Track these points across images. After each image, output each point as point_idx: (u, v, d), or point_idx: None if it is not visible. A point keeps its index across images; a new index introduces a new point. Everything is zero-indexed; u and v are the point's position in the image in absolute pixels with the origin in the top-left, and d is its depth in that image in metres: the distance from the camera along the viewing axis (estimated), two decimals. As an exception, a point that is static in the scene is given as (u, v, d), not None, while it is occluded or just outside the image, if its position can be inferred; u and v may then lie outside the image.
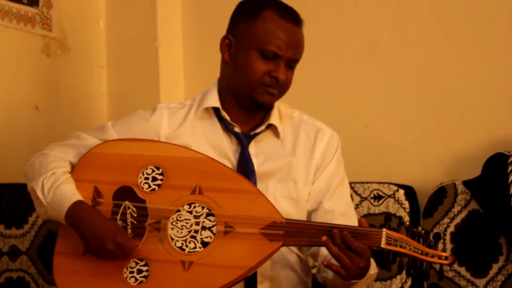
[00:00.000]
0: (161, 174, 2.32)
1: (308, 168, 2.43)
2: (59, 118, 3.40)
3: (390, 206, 3.00)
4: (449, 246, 2.90)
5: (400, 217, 2.96)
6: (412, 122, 3.16)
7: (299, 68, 2.45)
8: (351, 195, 2.65)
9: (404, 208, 2.98)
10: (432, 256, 2.12)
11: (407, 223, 2.16)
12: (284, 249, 2.37)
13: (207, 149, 2.40)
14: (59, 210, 2.30)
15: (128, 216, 2.30)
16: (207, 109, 2.46)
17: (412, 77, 3.17)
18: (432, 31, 3.15)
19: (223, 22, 2.50)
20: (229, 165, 2.37)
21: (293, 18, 2.40)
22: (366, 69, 3.25)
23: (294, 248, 2.44)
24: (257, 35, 2.37)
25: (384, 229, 2.13)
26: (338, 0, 3.31)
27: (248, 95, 2.39)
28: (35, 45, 3.34)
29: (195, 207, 2.27)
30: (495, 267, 2.85)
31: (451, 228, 2.91)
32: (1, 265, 3.09)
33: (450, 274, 2.89)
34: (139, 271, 2.26)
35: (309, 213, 2.44)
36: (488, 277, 2.86)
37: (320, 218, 2.40)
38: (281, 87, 2.39)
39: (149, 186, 2.31)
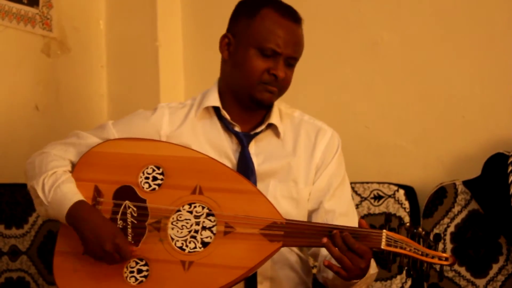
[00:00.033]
0: (162, 173, 2.32)
1: (309, 168, 2.43)
2: (59, 118, 3.40)
3: (390, 206, 3.00)
4: (449, 246, 2.90)
5: (400, 218, 2.96)
6: (412, 122, 3.16)
7: (299, 68, 2.45)
8: (351, 195, 2.64)
9: (404, 208, 2.98)
10: (432, 257, 2.11)
11: (407, 224, 2.15)
12: (284, 249, 2.37)
13: (208, 148, 2.40)
14: (60, 209, 2.30)
15: (129, 215, 2.30)
16: (207, 108, 2.46)
17: (412, 77, 3.17)
18: (432, 31, 3.15)
19: (223, 22, 2.50)
20: (229, 164, 2.37)
21: (292, 16, 2.40)
22: (366, 69, 3.25)
23: (294, 248, 2.43)
24: (256, 32, 2.37)
25: (384, 230, 2.13)
26: (338, 0, 3.31)
27: (247, 93, 2.39)
28: (35, 45, 3.34)
29: (195, 207, 2.27)
30: (495, 267, 2.85)
31: (451, 228, 2.91)
32: (1, 265, 3.09)
33: (450, 274, 2.89)
34: (139, 271, 2.26)
35: (310, 213, 2.43)
36: (488, 277, 2.86)
37: (320, 218, 2.40)
38: (280, 85, 2.39)
39: (150, 186, 2.31)
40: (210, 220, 2.25)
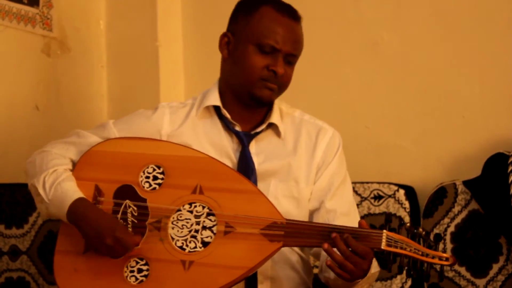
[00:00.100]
0: (162, 173, 2.32)
1: (310, 167, 2.43)
2: (59, 118, 3.40)
3: (390, 206, 3.00)
4: (449, 246, 2.90)
5: (400, 218, 2.96)
6: (412, 122, 3.16)
7: (299, 68, 2.45)
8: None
9: (404, 208, 2.98)
10: (433, 257, 2.11)
11: (408, 224, 2.15)
12: (285, 249, 2.37)
13: (208, 148, 2.41)
14: (61, 207, 2.30)
15: (129, 215, 2.30)
16: (207, 107, 2.46)
17: (412, 77, 3.17)
18: (432, 31, 3.15)
19: (223, 22, 2.50)
20: (229, 164, 2.38)
21: (291, 13, 2.41)
22: (366, 69, 3.25)
23: (296, 248, 2.43)
24: (255, 29, 2.37)
25: (384, 231, 2.13)
26: (338, 0, 3.31)
27: (247, 91, 2.39)
28: (35, 45, 3.34)
29: (195, 206, 2.27)
30: (495, 267, 2.85)
31: (451, 228, 2.91)
32: (1, 265, 3.09)
33: (450, 274, 2.89)
34: (140, 270, 2.25)
35: (311, 213, 2.43)
36: (488, 277, 2.86)
37: (322, 217, 2.40)
38: (280, 82, 2.39)
39: (150, 185, 2.31)
40: (210, 219, 2.25)
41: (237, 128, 2.43)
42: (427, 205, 2.96)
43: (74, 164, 2.41)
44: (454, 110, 3.09)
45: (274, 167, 2.41)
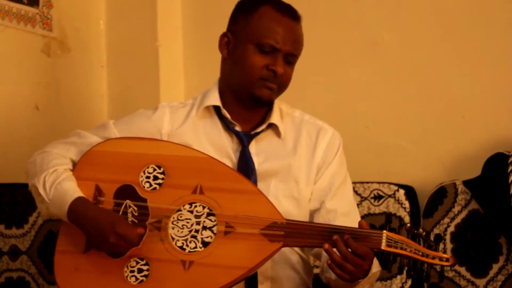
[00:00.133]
0: (163, 173, 2.32)
1: (310, 167, 2.43)
2: (59, 118, 3.40)
3: (390, 206, 3.00)
4: (449, 246, 2.90)
5: (400, 218, 2.96)
6: (412, 122, 3.16)
7: (299, 68, 2.45)
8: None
9: (404, 208, 2.98)
10: (433, 258, 2.11)
11: (408, 224, 2.14)
12: (286, 249, 2.37)
13: (208, 147, 2.41)
14: (61, 206, 2.30)
15: (129, 215, 2.30)
16: (208, 107, 2.46)
17: (412, 77, 3.17)
18: (432, 31, 3.15)
19: (223, 22, 2.50)
20: (230, 164, 2.38)
21: (291, 13, 2.41)
22: (366, 69, 3.25)
23: (296, 248, 2.43)
24: (254, 29, 2.37)
25: (384, 231, 2.13)
26: (338, 0, 3.31)
27: (246, 91, 2.39)
28: (35, 45, 3.34)
29: (196, 206, 2.27)
30: (495, 267, 2.85)
31: (451, 228, 2.91)
32: (1, 265, 3.09)
33: (450, 274, 2.89)
34: (140, 270, 2.25)
35: (312, 213, 2.43)
36: (488, 277, 2.86)
37: (322, 217, 2.40)
38: (280, 82, 2.39)
39: (150, 185, 2.31)
40: (210, 220, 2.25)
41: (237, 128, 2.43)
42: (427, 205, 2.96)
43: (74, 164, 2.41)
44: (454, 110, 3.09)
45: (274, 167, 2.41)
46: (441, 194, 2.94)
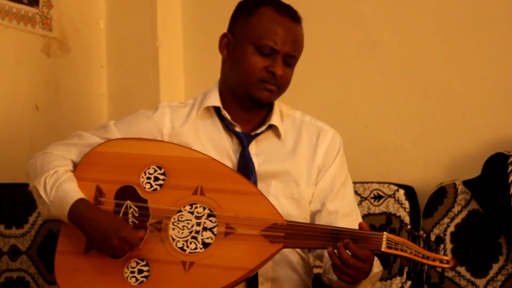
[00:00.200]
0: (163, 174, 2.32)
1: (311, 169, 2.43)
2: (59, 118, 3.40)
3: (390, 206, 3.00)
4: (449, 246, 2.90)
5: (400, 218, 2.96)
6: (412, 122, 3.16)
7: (299, 68, 2.45)
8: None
9: (404, 208, 2.98)
10: (433, 260, 2.11)
11: (409, 226, 2.14)
12: (286, 250, 2.37)
13: (209, 148, 2.41)
14: (62, 208, 2.31)
15: (130, 216, 2.30)
16: (208, 108, 2.46)
17: (412, 77, 3.17)
18: (432, 31, 3.15)
19: (223, 22, 2.50)
20: (230, 164, 2.38)
21: (291, 14, 2.40)
22: (366, 69, 3.25)
23: (296, 249, 2.43)
24: (254, 30, 2.37)
25: (384, 233, 2.13)
26: (338, 0, 3.31)
27: (246, 92, 2.39)
28: (35, 45, 3.34)
29: (196, 207, 2.27)
30: (495, 267, 2.85)
31: (451, 228, 2.91)
32: (1, 265, 3.09)
33: (450, 274, 2.89)
34: (140, 271, 2.26)
35: (313, 214, 2.43)
36: (488, 277, 2.86)
37: (324, 219, 2.40)
38: (279, 83, 2.39)
39: (151, 186, 2.31)
40: (211, 221, 2.25)
41: (237, 129, 2.43)
42: (427, 205, 2.96)
43: (75, 165, 2.41)
44: (454, 110, 3.09)
45: (274, 168, 2.41)
46: (441, 194, 2.94)
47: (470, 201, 2.91)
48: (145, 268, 2.25)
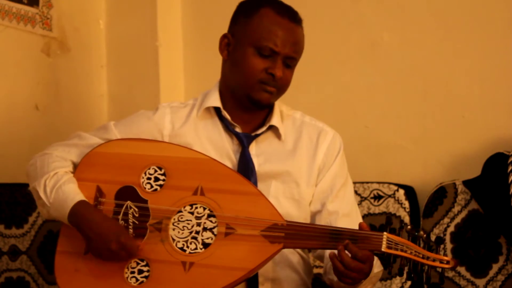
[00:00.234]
0: (164, 174, 2.32)
1: (311, 169, 2.43)
2: (59, 118, 3.40)
3: (390, 206, 3.00)
4: (449, 246, 2.90)
5: (400, 218, 2.96)
6: (412, 122, 3.16)
7: (299, 68, 2.45)
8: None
9: (404, 208, 2.98)
10: (434, 260, 2.11)
11: (409, 226, 2.14)
12: (286, 250, 2.37)
13: (209, 148, 2.41)
14: (62, 210, 2.31)
15: (130, 216, 2.31)
16: (208, 108, 2.46)
17: (412, 77, 3.17)
18: (432, 31, 3.15)
19: (223, 22, 2.50)
20: (230, 165, 2.38)
21: (291, 15, 2.40)
22: (366, 69, 3.25)
23: (296, 249, 2.44)
24: (254, 31, 2.37)
25: (385, 233, 2.13)
26: (338, 0, 3.31)
27: (245, 93, 2.39)
28: (35, 45, 3.34)
29: (196, 208, 2.27)
30: (495, 267, 2.85)
31: (451, 228, 2.91)
32: (1, 265, 3.08)
33: (450, 274, 2.89)
34: (140, 271, 2.26)
35: (313, 215, 2.44)
36: (488, 277, 2.86)
37: (324, 219, 2.40)
38: (279, 85, 2.38)
39: (151, 186, 2.32)
40: (211, 221, 2.25)
41: (238, 130, 2.43)
42: (427, 205, 2.96)
43: (75, 166, 2.41)
44: (454, 110, 3.09)
45: (274, 168, 2.41)
46: (441, 194, 2.94)
47: (470, 201, 2.91)
48: (145, 269, 2.26)
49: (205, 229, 2.25)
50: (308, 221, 2.43)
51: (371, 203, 3.01)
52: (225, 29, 2.46)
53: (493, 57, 3.05)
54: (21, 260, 3.11)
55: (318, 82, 3.30)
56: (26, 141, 3.24)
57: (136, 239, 2.26)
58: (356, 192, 3.00)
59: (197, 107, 2.48)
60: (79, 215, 2.29)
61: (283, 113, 2.49)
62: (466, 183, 2.91)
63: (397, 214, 2.97)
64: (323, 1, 3.31)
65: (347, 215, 2.40)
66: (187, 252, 2.24)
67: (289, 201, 2.40)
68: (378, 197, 3.01)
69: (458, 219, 2.91)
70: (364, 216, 2.98)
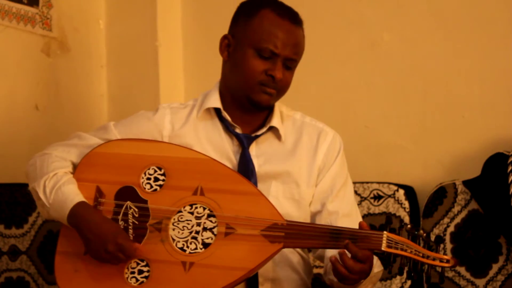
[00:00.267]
0: (163, 174, 2.32)
1: (311, 170, 2.43)
2: (59, 118, 3.40)
3: (390, 206, 3.00)
4: (449, 246, 2.91)
5: (400, 218, 2.96)
6: (412, 122, 3.16)
7: (299, 68, 2.45)
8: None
9: (404, 208, 2.98)
10: (433, 259, 2.11)
11: (409, 225, 2.15)
12: (287, 250, 2.37)
13: (209, 149, 2.40)
14: (61, 211, 2.30)
15: (130, 216, 2.31)
16: (208, 109, 2.46)
17: (412, 77, 3.17)
18: (432, 31, 3.15)
19: (223, 22, 2.50)
20: (230, 165, 2.37)
21: (291, 17, 2.40)
22: (366, 69, 3.25)
23: (297, 248, 2.43)
24: (254, 33, 2.37)
25: (385, 232, 2.13)
26: (338, 0, 3.31)
27: (245, 95, 2.39)
28: (35, 45, 3.34)
29: (196, 208, 2.27)
30: (495, 267, 2.85)
31: (451, 228, 2.91)
32: (1, 265, 3.08)
33: (450, 274, 2.89)
34: (140, 272, 2.26)
35: (314, 215, 2.44)
36: (488, 277, 2.86)
37: (324, 219, 2.40)
38: (279, 87, 2.38)
39: (151, 187, 2.32)
40: (211, 221, 2.25)
41: (238, 131, 2.43)
42: (426, 205, 2.96)
43: (75, 166, 2.41)
44: (454, 110, 3.09)
45: (274, 169, 2.41)
46: (440, 194, 2.94)
47: (470, 201, 2.91)
48: (145, 269, 2.26)
49: (205, 229, 2.25)
50: (308, 221, 2.43)
51: (371, 203, 3.02)
52: (225, 29, 2.46)
53: (493, 57, 3.05)
54: (21, 260, 3.11)
55: (318, 82, 3.30)
56: (26, 141, 3.24)
57: (134, 241, 2.26)
58: (356, 192, 3.00)
59: (197, 107, 2.48)
60: (78, 216, 2.29)
61: (283, 114, 2.49)
62: (466, 183, 2.91)
63: (397, 214, 2.97)
64: (323, 1, 3.31)
65: (347, 215, 2.40)
66: (187, 252, 2.24)
67: (289, 201, 2.40)
68: (378, 197, 3.01)
69: (458, 219, 2.91)
70: (364, 216, 2.98)
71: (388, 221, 2.14)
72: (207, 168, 2.30)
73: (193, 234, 2.25)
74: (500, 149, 2.89)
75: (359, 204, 3.00)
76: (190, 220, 2.26)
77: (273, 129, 2.45)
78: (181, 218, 2.27)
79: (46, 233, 3.12)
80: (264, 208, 2.23)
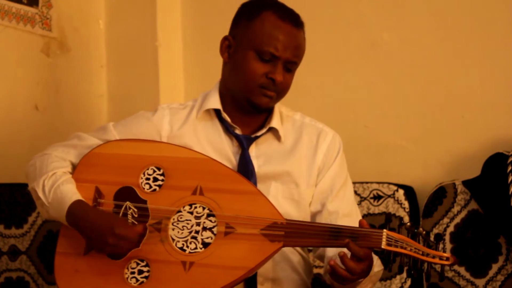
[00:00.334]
0: (162, 174, 2.32)
1: (311, 170, 2.43)
2: (59, 118, 3.40)
3: (389, 206, 3.00)
4: (448, 246, 2.91)
5: (400, 218, 2.96)
6: (412, 122, 3.16)
7: (299, 68, 2.45)
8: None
9: (404, 208, 2.98)
10: (433, 257, 2.11)
11: (408, 224, 2.15)
12: (287, 249, 2.38)
13: (209, 150, 2.40)
14: (60, 210, 2.30)
15: (129, 216, 2.30)
16: (208, 110, 2.46)
17: (412, 77, 3.17)
18: (432, 31, 3.15)
19: (223, 22, 2.50)
20: (229, 166, 2.37)
21: (292, 19, 2.39)
22: (365, 69, 3.25)
23: (298, 248, 2.44)
24: (255, 35, 2.36)
25: (384, 230, 2.13)
26: (338, 0, 3.31)
27: (245, 97, 2.39)
28: (35, 45, 3.34)
29: (196, 207, 2.27)
30: (495, 267, 2.85)
31: (451, 228, 2.91)
32: (0, 265, 3.09)
33: (450, 274, 2.89)
34: (140, 272, 2.26)
35: (314, 215, 2.44)
36: (487, 277, 2.86)
37: (324, 219, 2.40)
38: (279, 89, 2.38)
39: (150, 187, 2.31)
40: (210, 220, 2.25)
41: (237, 131, 2.43)
42: (426, 205, 2.96)
43: (74, 166, 2.41)
44: (454, 110, 3.09)
45: (274, 170, 2.41)
46: (440, 194, 2.94)
47: (469, 201, 2.91)
48: (145, 269, 2.25)
49: (204, 228, 2.25)
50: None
51: (370, 203, 3.02)
52: (224, 29, 2.46)
53: (493, 57, 3.05)
54: (20, 260, 3.12)
55: (318, 82, 3.30)
56: (26, 141, 3.24)
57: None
58: (355, 192, 3.00)
59: (196, 108, 2.48)
60: (76, 214, 2.28)
61: (283, 115, 2.49)
62: (465, 183, 2.91)
63: (397, 214, 2.98)
64: (323, 1, 3.31)
65: (347, 215, 2.40)
66: (187, 252, 2.24)
67: (288, 201, 2.40)
68: (377, 197, 3.01)
69: (457, 219, 2.91)
70: (363, 216, 2.98)
71: (387, 219, 2.14)
72: (206, 167, 2.29)
73: (192, 233, 2.25)
74: (500, 149, 2.89)
75: (359, 204, 3.00)
76: (190, 220, 2.26)
77: (272, 130, 2.45)
78: (181, 218, 2.27)
79: (46, 233, 3.12)
80: (264, 207, 2.23)
